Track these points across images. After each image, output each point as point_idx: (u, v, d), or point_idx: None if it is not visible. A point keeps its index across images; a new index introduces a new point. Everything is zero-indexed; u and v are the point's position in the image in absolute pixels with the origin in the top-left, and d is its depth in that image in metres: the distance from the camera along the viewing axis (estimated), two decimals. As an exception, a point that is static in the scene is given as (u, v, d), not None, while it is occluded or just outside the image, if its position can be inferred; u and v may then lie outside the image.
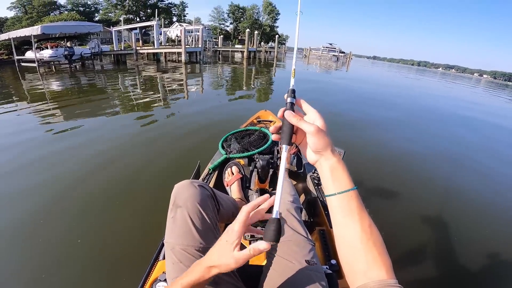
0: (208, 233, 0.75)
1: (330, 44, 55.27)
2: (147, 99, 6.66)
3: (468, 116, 7.81)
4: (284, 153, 0.49)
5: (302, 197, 1.71)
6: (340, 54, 51.64)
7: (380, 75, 25.29)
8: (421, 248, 2.06)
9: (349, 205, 0.45)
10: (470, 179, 3.39)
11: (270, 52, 37.46)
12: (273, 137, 0.52)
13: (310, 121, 0.49)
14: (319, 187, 1.61)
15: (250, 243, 1.38)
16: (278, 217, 0.44)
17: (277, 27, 54.54)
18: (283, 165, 0.48)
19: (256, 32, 27.26)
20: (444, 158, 3.97)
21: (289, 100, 0.51)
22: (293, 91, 0.53)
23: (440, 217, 2.42)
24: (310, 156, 0.50)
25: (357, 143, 4.04)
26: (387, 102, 8.65)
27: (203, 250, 0.70)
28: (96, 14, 38.43)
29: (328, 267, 0.94)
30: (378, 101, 8.68)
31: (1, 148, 3.38)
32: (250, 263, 1.26)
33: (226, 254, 0.49)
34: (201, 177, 1.67)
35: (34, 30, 12.77)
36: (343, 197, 0.46)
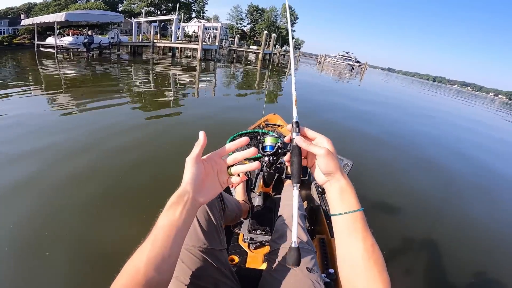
0: (213, 234, 0.75)
1: (346, 52, 54.88)
2: (158, 94, 6.72)
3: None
4: (296, 191, 0.50)
5: (305, 204, 1.69)
6: (355, 64, 51.15)
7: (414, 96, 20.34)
8: (424, 263, 2.03)
9: (355, 225, 0.46)
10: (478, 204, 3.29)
11: (284, 55, 37.43)
12: (286, 139, 0.53)
13: (319, 145, 0.50)
14: (323, 196, 1.59)
15: (249, 246, 1.38)
16: (297, 246, 0.48)
17: (294, 31, 54.64)
18: (295, 204, 0.50)
19: (274, 34, 27.20)
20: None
21: (294, 135, 0.51)
22: (297, 124, 0.52)
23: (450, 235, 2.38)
24: (319, 177, 0.51)
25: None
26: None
27: (206, 251, 0.71)
28: (120, 5, 39.18)
29: (326, 276, 0.93)
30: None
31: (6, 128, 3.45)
32: (247, 266, 1.28)
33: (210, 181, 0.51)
34: None
35: (59, 17, 13.13)
36: (350, 217, 0.47)
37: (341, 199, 0.48)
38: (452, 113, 12.92)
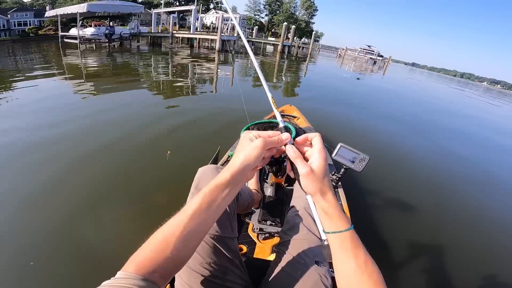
0: (225, 222, 0.75)
1: (369, 46, 52.72)
2: (177, 83, 6.79)
3: None
4: (309, 196, 0.49)
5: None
6: (378, 58, 49.14)
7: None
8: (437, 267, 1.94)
9: (344, 244, 0.46)
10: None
11: (302, 48, 36.64)
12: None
13: (312, 158, 0.48)
14: (337, 189, 1.57)
15: (258, 237, 1.38)
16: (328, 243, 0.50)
17: (313, 23, 53.19)
18: (314, 210, 0.50)
19: (293, 26, 26.63)
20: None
21: (288, 146, 0.48)
22: (286, 129, 0.49)
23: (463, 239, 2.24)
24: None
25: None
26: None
27: (218, 239, 0.70)
28: (140, -4, 39.64)
29: (333, 271, 0.92)
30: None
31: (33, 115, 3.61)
32: (255, 256, 1.29)
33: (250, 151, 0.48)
34: (220, 162, 1.68)
35: (81, 8, 13.52)
36: (337, 237, 0.47)
37: (326, 219, 0.48)
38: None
